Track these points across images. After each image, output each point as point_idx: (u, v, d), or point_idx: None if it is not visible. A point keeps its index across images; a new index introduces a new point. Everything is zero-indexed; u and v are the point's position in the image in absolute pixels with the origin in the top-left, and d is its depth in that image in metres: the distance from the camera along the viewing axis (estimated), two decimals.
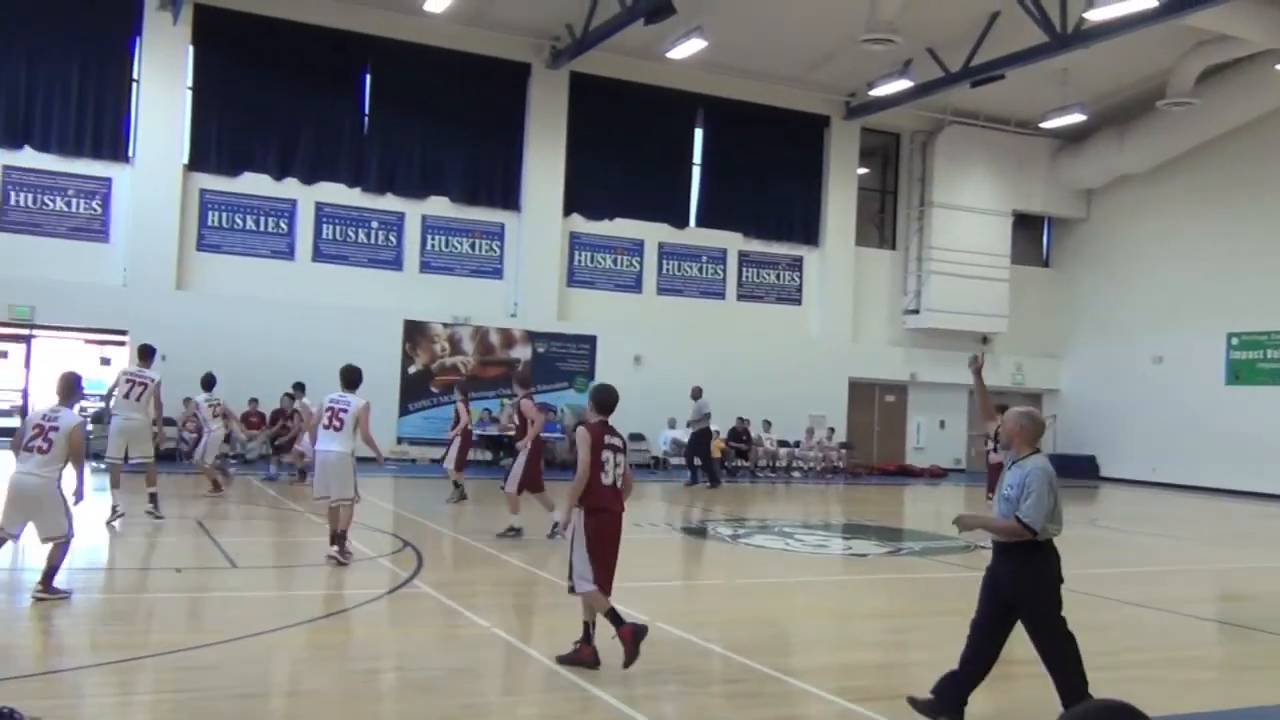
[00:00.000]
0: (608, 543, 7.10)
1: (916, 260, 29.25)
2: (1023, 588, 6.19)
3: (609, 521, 7.13)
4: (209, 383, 16.68)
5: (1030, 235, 31.75)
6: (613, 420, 7.42)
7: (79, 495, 8.60)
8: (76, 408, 8.89)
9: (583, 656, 7.06)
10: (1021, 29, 21.58)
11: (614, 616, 7.00)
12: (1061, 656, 6.22)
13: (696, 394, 22.48)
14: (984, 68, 23.25)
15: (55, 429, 8.39)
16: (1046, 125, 27.36)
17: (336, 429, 10.54)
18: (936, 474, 28.52)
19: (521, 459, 12.86)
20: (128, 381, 12.83)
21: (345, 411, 10.57)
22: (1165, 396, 27.94)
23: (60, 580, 8.55)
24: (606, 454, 7.11)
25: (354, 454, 10.70)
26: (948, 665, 6.49)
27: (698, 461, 22.35)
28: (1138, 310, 29.12)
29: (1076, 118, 25.97)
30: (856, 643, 8.78)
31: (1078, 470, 29.58)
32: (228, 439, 18.34)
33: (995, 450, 11.95)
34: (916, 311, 29.15)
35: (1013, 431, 6.30)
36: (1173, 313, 28.11)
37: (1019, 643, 6.49)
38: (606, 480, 7.08)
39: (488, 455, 23.84)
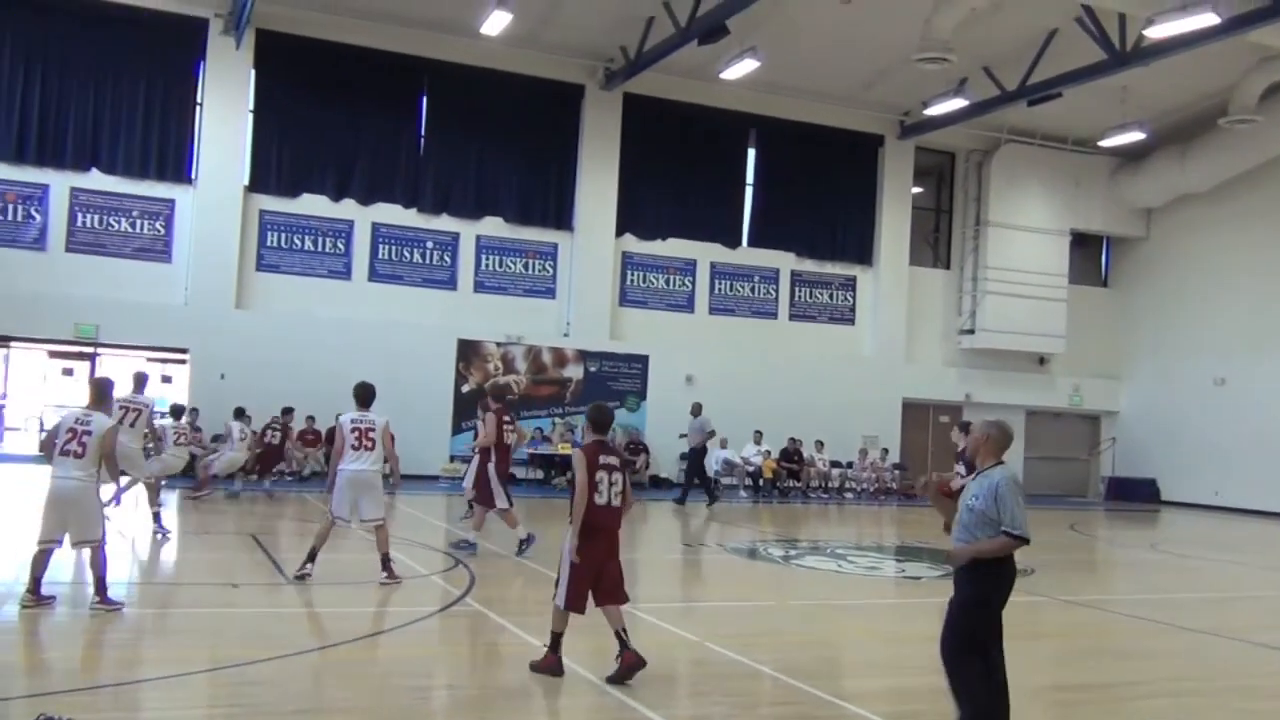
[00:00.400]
0: (596, 560, 7.20)
1: (972, 280, 28.97)
2: (965, 591, 6.05)
3: (602, 540, 7.22)
4: (177, 413, 16.84)
5: (1089, 254, 31.31)
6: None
7: (116, 498, 8.77)
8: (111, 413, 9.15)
9: (545, 663, 7.24)
10: (1079, 46, 21.37)
11: (622, 638, 7.17)
12: (963, 674, 5.98)
13: (697, 410, 21.90)
14: (1041, 86, 23.04)
15: (89, 433, 8.56)
16: (1105, 144, 26.99)
17: (369, 449, 10.43)
18: None
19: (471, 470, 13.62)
20: (121, 408, 12.85)
21: (373, 430, 10.50)
22: (1228, 418, 27.35)
23: (114, 592, 8.71)
24: (601, 474, 7.19)
25: (383, 473, 10.77)
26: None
27: (695, 480, 21.58)
28: (1200, 330, 28.57)
29: (1136, 136, 25.61)
30: (909, 667, 8.66)
31: (1138, 494, 29.10)
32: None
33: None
34: (972, 332, 28.84)
35: (979, 441, 6.22)
36: (1236, 333, 27.54)
37: (1070, 669, 6.38)
38: (601, 500, 7.16)
39: (539, 474, 23.99)
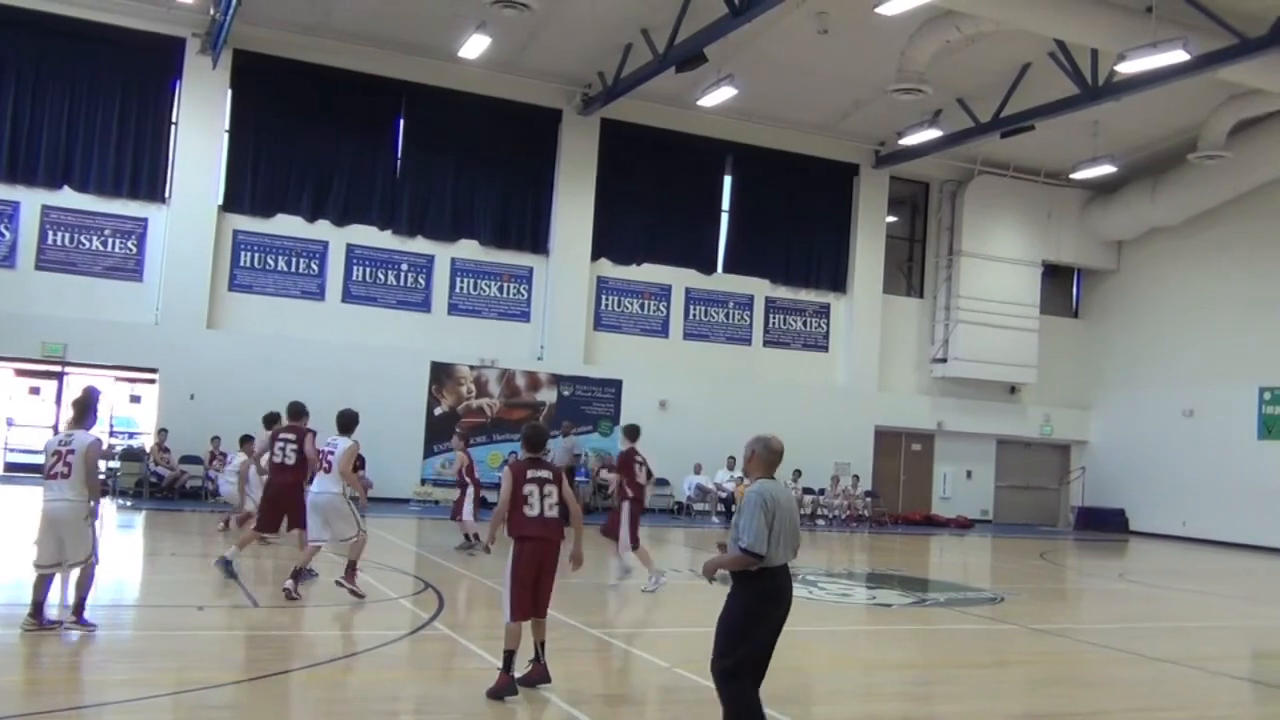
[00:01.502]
0: (530, 568, 7.43)
1: (945, 309, 29.15)
2: (727, 607, 5.91)
3: (534, 549, 7.45)
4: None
5: (1060, 286, 31.60)
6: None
7: (94, 514, 8.65)
8: (96, 428, 8.99)
9: (499, 684, 7.34)
10: (1053, 80, 21.64)
11: (538, 649, 7.59)
12: (726, 695, 5.88)
13: (567, 431, 21.80)
14: (1014, 118, 23.30)
15: (72, 451, 8.46)
16: (1077, 176, 27.30)
17: (326, 471, 10.83)
18: (963, 524, 28.24)
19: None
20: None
21: (333, 453, 10.85)
22: (1196, 450, 27.60)
23: (86, 614, 8.60)
24: (531, 487, 7.50)
25: (346, 493, 10.90)
26: (973, 718, 6.39)
27: None
28: (1169, 362, 28.85)
29: (1107, 169, 25.91)
30: (881, 694, 8.66)
31: (1107, 523, 29.28)
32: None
33: None
34: (944, 360, 29.00)
35: (747, 457, 6.17)
36: (1204, 366, 27.82)
37: (1039, 697, 6.39)
38: (531, 512, 7.47)
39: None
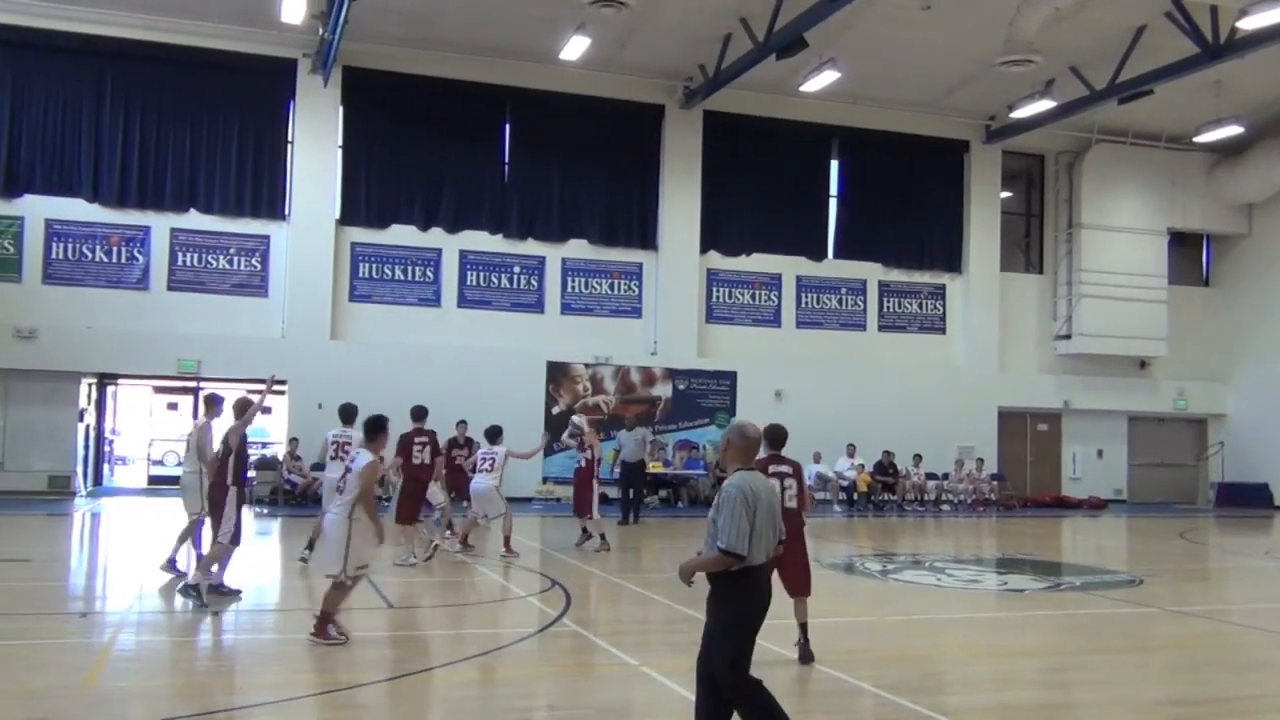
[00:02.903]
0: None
1: (1066, 284, 28.34)
2: (710, 618, 5.47)
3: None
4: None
5: (1189, 254, 30.42)
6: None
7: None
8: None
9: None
10: (1170, 41, 20.86)
11: (802, 630, 8.40)
12: (745, 702, 5.42)
13: (631, 425, 22.02)
14: (1131, 83, 22.53)
15: (349, 470, 8.88)
16: (1201, 139, 26.27)
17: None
18: (1096, 505, 27.41)
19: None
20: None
21: (349, 444, 11.28)
22: None
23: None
24: (773, 481, 7.64)
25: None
26: (1114, 706, 6.20)
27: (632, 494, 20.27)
28: None
29: (1233, 130, 24.89)
30: (1016, 681, 8.46)
31: (1250, 499, 28.09)
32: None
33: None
34: (1068, 337, 28.19)
35: (722, 448, 5.74)
36: None
37: (1186, 683, 6.15)
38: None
39: (662, 494, 24.43)
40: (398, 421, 21.44)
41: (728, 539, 5.29)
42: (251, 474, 21.89)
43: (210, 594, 9.95)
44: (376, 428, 8.94)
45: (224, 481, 10.39)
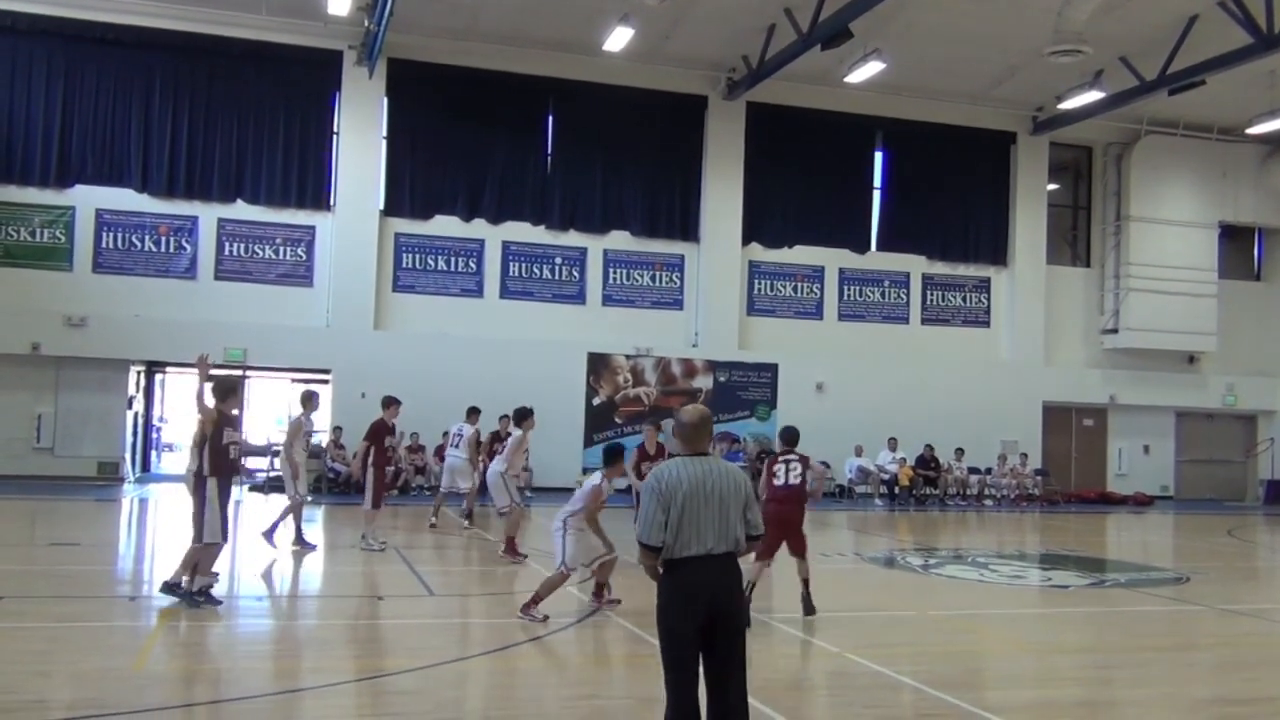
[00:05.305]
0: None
1: (1114, 278, 27.97)
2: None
3: (775, 510, 9.76)
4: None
5: (1240, 247, 29.90)
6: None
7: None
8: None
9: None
10: (1222, 31, 20.48)
11: (805, 585, 10.04)
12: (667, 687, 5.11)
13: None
14: (1182, 74, 22.15)
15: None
16: (1254, 131, 25.77)
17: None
18: (1142, 501, 27.05)
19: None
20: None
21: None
22: None
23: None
24: (779, 466, 10.19)
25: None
26: (1158, 703, 6.13)
27: None
28: None
29: None
30: (1058, 678, 8.39)
31: None
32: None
33: None
34: (1115, 331, 27.83)
35: (673, 434, 5.46)
36: None
37: (1233, 682, 6.06)
38: (778, 481, 10.08)
39: None
40: (444, 411, 21.60)
41: (638, 529, 5.13)
42: (254, 465, 22.30)
43: (200, 596, 9.39)
44: (614, 455, 10.75)
45: (200, 472, 9.40)
